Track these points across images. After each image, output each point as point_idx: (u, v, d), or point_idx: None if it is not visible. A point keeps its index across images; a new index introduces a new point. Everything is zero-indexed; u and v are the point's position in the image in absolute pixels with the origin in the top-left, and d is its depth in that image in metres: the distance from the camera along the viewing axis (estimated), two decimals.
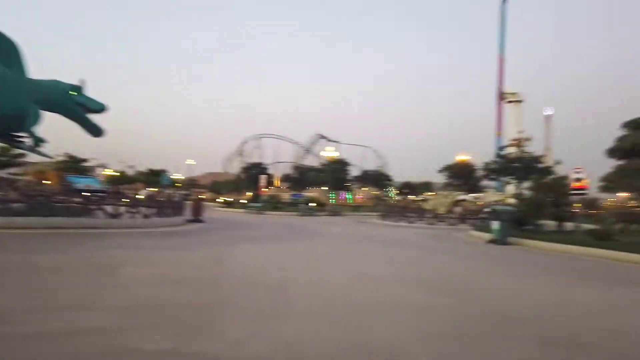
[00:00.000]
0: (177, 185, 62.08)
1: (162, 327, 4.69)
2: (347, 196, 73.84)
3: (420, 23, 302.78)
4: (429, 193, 59.56)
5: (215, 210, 40.18)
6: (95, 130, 18.24)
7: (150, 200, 17.97)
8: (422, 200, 45.08)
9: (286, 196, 48.77)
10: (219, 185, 52.51)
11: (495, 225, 17.80)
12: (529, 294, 7.50)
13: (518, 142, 23.79)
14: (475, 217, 30.07)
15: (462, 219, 29.76)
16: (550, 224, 19.59)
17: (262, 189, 39.20)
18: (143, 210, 17.58)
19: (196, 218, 21.13)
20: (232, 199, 45.52)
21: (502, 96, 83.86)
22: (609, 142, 20.19)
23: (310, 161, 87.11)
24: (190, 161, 71.30)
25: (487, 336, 4.84)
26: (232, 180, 51.76)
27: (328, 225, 25.95)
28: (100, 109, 17.81)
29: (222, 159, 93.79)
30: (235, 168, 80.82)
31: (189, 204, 22.10)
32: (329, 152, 42.03)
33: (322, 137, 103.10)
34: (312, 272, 8.74)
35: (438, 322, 5.32)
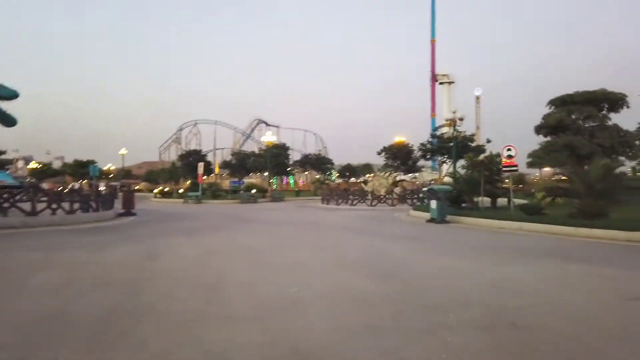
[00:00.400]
0: (108, 177, 58.87)
1: (73, 342, 4.05)
2: (289, 181, 73.50)
3: (355, 9, 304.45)
4: (370, 175, 60.45)
5: (151, 202, 38.39)
6: (6, 120, 16.57)
7: (73, 194, 16.40)
8: (362, 182, 45.54)
9: (227, 184, 47.49)
10: (154, 175, 50.15)
11: (433, 204, 18.11)
12: (471, 274, 7.47)
13: (451, 122, 24.31)
14: (415, 197, 30.79)
15: (402, 198, 30.29)
16: (485, 200, 20.26)
17: (200, 177, 37.75)
18: (67, 205, 16.10)
19: (128, 211, 19.84)
20: (169, 189, 43.58)
21: (434, 78, 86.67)
22: (538, 120, 21.18)
23: (251, 147, 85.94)
24: (123, 151, 67.60)
25: (432, 326, 4.62)
26: (167, 169, 49.47)
27: (268, 211, 25.43)
28: (10, 95, 16.17)
29: (158, 147, 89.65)
30: (172, 156, 77.99)
31: (120, 196, 20.60)
32: (268, 137, 41.08)
33: (262, 122, 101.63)
34: (248, 266, 8.23)
35: (379, 314, 5.05)
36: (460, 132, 25.70)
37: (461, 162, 28.45)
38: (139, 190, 61.17)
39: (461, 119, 24.86)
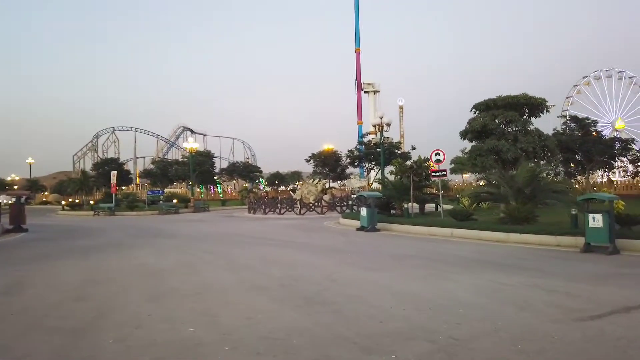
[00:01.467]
0: (5, 188, 52.67)
1: None
2: (217, 190, 70.53)
3: (281, 16, 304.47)
4: (299, 182, 59.51)
5: (57, 215, 34.55)
6: None
7: None
8: (291, 190, 44.37)
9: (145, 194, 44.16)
10: (64, 185, 45.48)
11: (363, 212, 17.33)
12: (408, 294, 6.50)
13: (378, 127, 23.87)
14: (344, 204, 30.13)
15: (331, 206, 29.50)
16: (414, 206, 19.93)
17: (114, 187, 34.55)
18: None
19: (17, 226, 17.06)
20: (78, 201, 39.57)
21: (360, 86, 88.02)
22: (463, 125, 21.27)
23: (176, 155, 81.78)
24: (29, 160, 61.37)
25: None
26: (77, 178, 44.97)
27: (188, 223, 23.45)
28: None
29: (72, 156, 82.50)
30: (88, 166, 72.03)
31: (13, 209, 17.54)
32: (190, 144, 38.59)
33: (187, 129, 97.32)
34: (144, 296, 6.70)
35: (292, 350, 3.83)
36: (387, 137, 25.32)
37: (389, 169, 28.23)
38: (46, 202, 55.69)
39: (388, 124, 24.41)
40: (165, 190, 55.19)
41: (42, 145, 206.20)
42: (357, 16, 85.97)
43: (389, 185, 21.58)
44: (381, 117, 24.75)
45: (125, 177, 58.08)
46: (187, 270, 8.87)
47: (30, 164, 63.94)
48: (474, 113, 21.82)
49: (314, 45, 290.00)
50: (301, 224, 21.61)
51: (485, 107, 21.18)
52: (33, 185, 60.56)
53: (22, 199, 17.45)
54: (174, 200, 36.34)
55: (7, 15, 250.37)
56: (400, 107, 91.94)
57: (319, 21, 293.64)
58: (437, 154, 17.61)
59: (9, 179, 67.55)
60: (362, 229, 17.27)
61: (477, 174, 28.86)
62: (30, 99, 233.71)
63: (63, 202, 39.40)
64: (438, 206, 19.52)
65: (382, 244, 13.09)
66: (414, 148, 46.51)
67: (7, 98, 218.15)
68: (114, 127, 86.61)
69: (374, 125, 24.90)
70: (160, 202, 37.23)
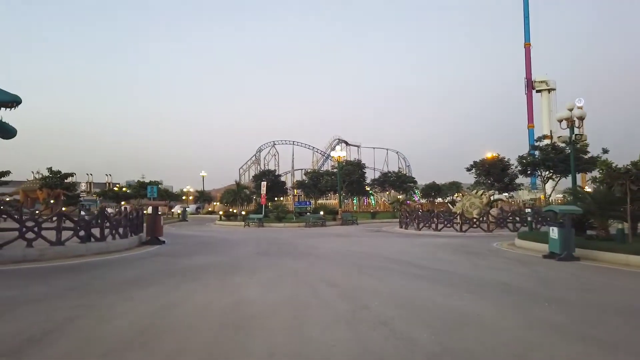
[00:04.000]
0: (182, 198, 58.22)
1: None
2: (370, 202, 68.35)
3: (424, 19, 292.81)
4: (458, 194, 53.64)
5: (212, 225, 35.66)
6: (4, 130, 13.94)
7: (60, 217, 12.76)
8: (450, 202, 39.37)
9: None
10: (227, 197, 48.02)
11: (553, 232, 12.46)
12: None
13: (569, 122, 18.31)
14: (516, 220, 24.50)
15: (500, 222, 24.21)
16: (618, 226, 14.28)
17: (264, 198, 34.28)
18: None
19: (153, 238, 16.36)
20: (235, 211, 40.71)
21: (531, 85, 77.35)
22: None
23: (330, 167, 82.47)
24: (202, 173, 67.29)
25: None
26: (232, 189, 46.98)
27: (331, 238, 20.89)
28: (11, 101, 13.48)
29: (238, 169, 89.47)
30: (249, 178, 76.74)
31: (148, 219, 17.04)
32: (338, 152, 36.58)
33: (342, 141, 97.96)
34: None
35: None
36: (580, 135, 19.37)
37: (579, 176, 21.93)
38: (212, 212, 59.88)
39: (581, 118, 18.56)
40: (319, 201, 54.79)
41: (216, 160, 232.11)
42: (527, 5, 75.95)
43: (585, 197, 15.94)
44: (571, 110, 19.03)
45: (281, 189, 59.46)
46: (292, 320, 5.82)
47: (203, 177, 70.44)
48: None
49: (466, 46, 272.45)
50: (463, 244, 17.29)
51: None
52: (201, 196, 66.15)
53: (157, 210, 16.74)
54: (321, 212, 34.69)
55: (189, 35, 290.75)
56: (580, 109, 78.65)
57: (466, 17, 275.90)
58: None
59: (184, 189, 75.38)
60: (551, 256, 12.45)
61: None
62: (203, 113, 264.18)
63: (221, 212, 41.00)
64: None
65: (597, 285, 8.43)
66: (606, 151, 37.56)
67: (186, 113, 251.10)
68: (274, 141, 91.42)
69: (560, 120, 19.24)
70: (308, 213, 35.97)
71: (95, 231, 13.69)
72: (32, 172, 47.89)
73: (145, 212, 18.42)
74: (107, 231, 14.03)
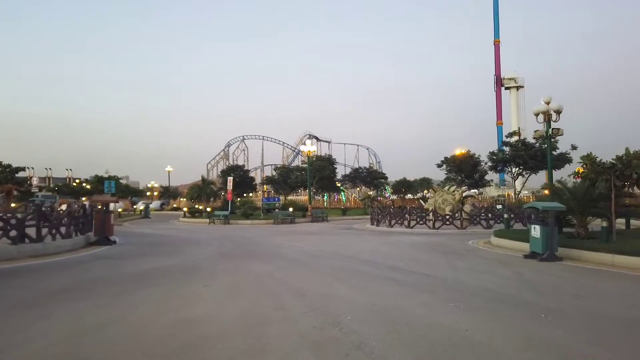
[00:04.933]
0: (146, 194, 55.87)
1: None
2: (341, 198, 67.50)
3: (394, 15, 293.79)
4: (429, 190, 53.47)
5: (176, 222, 33.95)
6: None
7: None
8: (421, 198, 38.85)
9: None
10: (191, 193, 46.22)
11: (535, 231, 11.72)
12: None
13: (545, 115, 17.81)
14: (489, 217, 24.02)
15: (473, 219, 23.65)
16: (595, 222, 13.86)
17: (230, 194, 32.82)
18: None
19: (102, 238, 14.81)
20: (201, 207, 38.97)
21: (500, 82, 78.11)
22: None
23: (299, 162, 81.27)
24: (168, 168, 65.00)
25: None
26: (196, 185, 45.25)
27: (297, 237, 19.78)
28: None
29: (206, 164, 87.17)
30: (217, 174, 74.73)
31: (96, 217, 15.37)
32: (308, 147, 35.47)
33: (313, 136, 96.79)
34: None
35: None
36: (557, 129, 18.88)
37: (559, 174, 21.55)
38: (177, 209, 57.86)
39: (558, 112, 18.09)
40: (289, 197, 53.57)
41: (184, 154, 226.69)
42: (497, 2, 76.58)
43: (564, 193, 15.35)
44: (547, 103, 18.51)
45: (249, 184, 57.94)
46: (247, 344, 4.69)
47: (168, 172, 68.03)
48: None
49: (435, 43, 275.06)
50: (438, 242, 16.51)
51: None
52: (165, 192, 63.82)
53: (107, 207, 15.14)
54: (290, 209, 33.49)
55: (164, 28, 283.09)
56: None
57: (437, 17, 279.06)
58: None
59: (149, 185, 72.69)
60: (532, 255, 11.74)
61: None
62: (170, 109, 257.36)
63: (185, 209, 39.26)
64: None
65: (589, 291, 7.66)
66: (574, 148, 37.76)
67: (149, 107, 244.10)
68: (243, 136, 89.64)
69: (537, 114, 18.70)
70: (276, 210, 34.72)
71: (33, 231, 12.09)
72: None
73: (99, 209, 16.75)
74: (45, 230, 12.43)
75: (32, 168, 42.08)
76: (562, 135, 19.43)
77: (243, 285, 8.14)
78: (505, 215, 18.81)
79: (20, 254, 11.20)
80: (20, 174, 40.13)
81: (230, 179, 33.07)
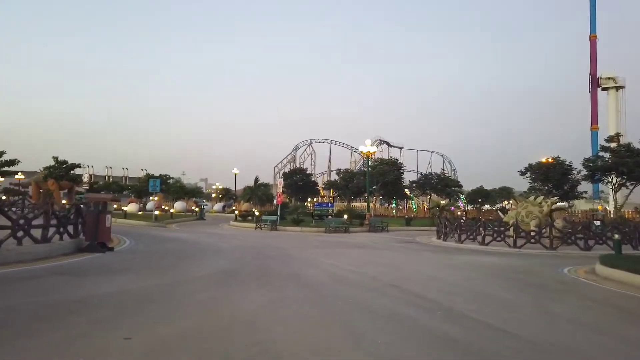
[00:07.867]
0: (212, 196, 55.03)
1: None
2: (411, 205, 62.87)
3: (470, 22, 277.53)
4: (510, 202, 47.39)
5: (228, 226, 31.73)
6: None
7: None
8: (500, 210, 33.75)
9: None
10: (243, 196, 44.32)
11: None
12: None
13: None
14: (589, 236, 18.95)
15: (566, 238, 18.82)
16: None
17: (280, 197, 30.10)
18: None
19: (92, 244, 12.12)
20: (252, 211, 36.55)
21: (596, 82, 69.04)
22: None
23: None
24: (235, 170, 64.33)
25: None
26: (249, 187, 43.11)
27: (341, 250, 16.49)
28: None
29: (273, 168, 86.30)
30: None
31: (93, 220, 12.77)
32: (367, 147, 31.66)
33: (384, 142, 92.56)
34: None
35: None
36: None
37: None
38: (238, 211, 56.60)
39: None
40: (352, 204, 50.16)
41: (254, 157, 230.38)
42: None
43: None
44: None
45: (312, 189, 55.33)
46: None
47: (235, 174, 67.33)
48: None
49: (516, 42, 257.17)
50: (519, 267, 12.45)
51: None
52: (226, 194, 62.78)
53: (104, 207, 12.55)
54: (345, 216, 29.99)
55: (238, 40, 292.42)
56: None
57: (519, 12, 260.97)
58: None
59: (214, 187, 72.49)
60: None
61: None
62: (248, 114, 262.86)
63: (236, 212, 37.14)
64: None
65: None
66: None
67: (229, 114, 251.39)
68: (311, 140, 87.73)
69: None
70: (329, 217, 31.41)
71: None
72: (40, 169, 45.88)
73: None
74: (6, 232, 10.09)
75: (92, 166, 42.79)
76: None
77: (203, 338, 4.96)
78: (617, 236, 14.06)
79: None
80: (77, 171, 40.42)
81: (280, 180, 30.46)
